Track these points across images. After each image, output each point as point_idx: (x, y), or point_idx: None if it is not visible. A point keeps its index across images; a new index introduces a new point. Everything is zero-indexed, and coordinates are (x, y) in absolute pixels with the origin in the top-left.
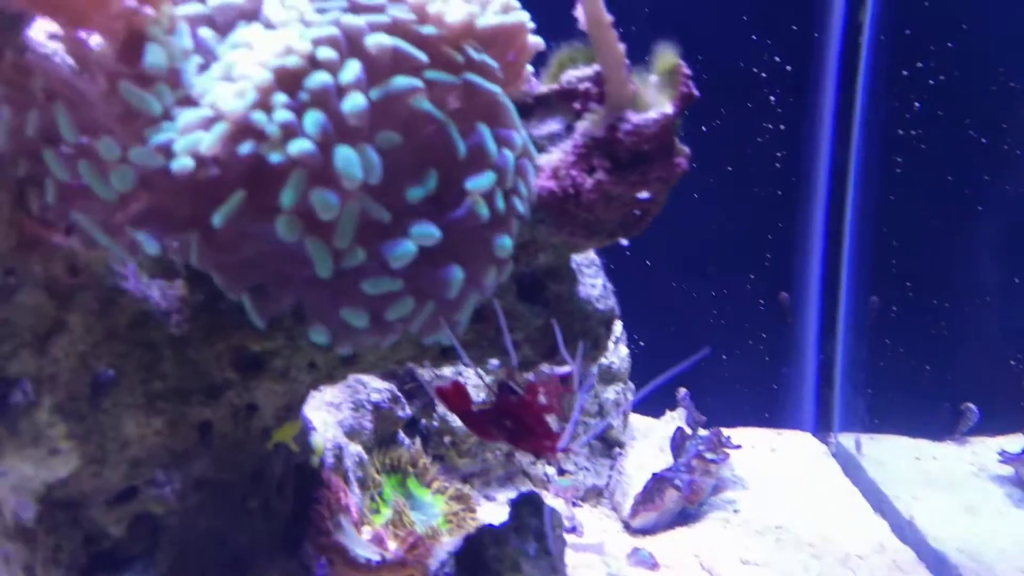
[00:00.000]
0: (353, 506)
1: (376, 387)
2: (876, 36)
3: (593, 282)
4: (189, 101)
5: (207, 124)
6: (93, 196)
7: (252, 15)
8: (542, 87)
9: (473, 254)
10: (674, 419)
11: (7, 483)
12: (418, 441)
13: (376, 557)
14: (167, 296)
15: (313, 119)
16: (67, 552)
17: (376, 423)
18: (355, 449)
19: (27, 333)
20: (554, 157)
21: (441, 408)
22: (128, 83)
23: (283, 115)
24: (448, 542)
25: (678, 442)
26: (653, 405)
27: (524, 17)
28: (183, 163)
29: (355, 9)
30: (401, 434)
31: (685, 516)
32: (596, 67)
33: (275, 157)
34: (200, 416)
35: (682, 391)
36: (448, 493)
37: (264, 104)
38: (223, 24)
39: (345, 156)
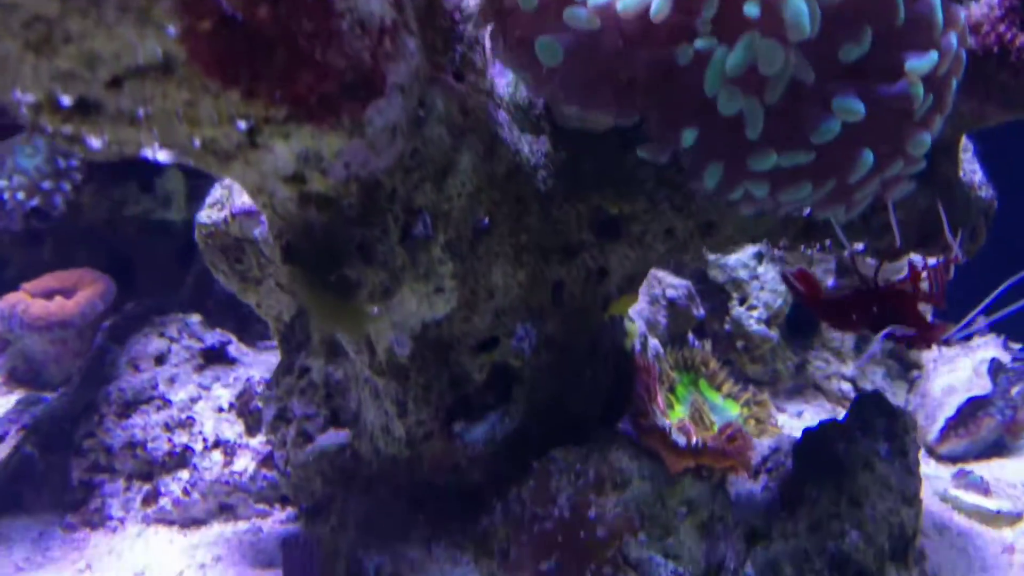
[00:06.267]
0: (659, 394)
1: (672, 283)
2: None
3: (972, 166)
4: None
5: None
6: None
7: None
8: None
9: (887, 140)
10: (983, 344)
11: (391, 318)
12: (708, 344)
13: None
14: (534, 151)
15: None
16: (435, 391)
17: (670, 319)
18: (653, 341)
19: (429, 166)
20: (973, 11)
21: (736, 311)
22: None
23: None
24: (761, 441)
25: (995, 369)
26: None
27: None
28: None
29: None
30: (691, 336)
31: (1000, 447)
32: None
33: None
34: (556, 275)
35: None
36: (742, 398)
37: None
38: None
39: (795, 5)
